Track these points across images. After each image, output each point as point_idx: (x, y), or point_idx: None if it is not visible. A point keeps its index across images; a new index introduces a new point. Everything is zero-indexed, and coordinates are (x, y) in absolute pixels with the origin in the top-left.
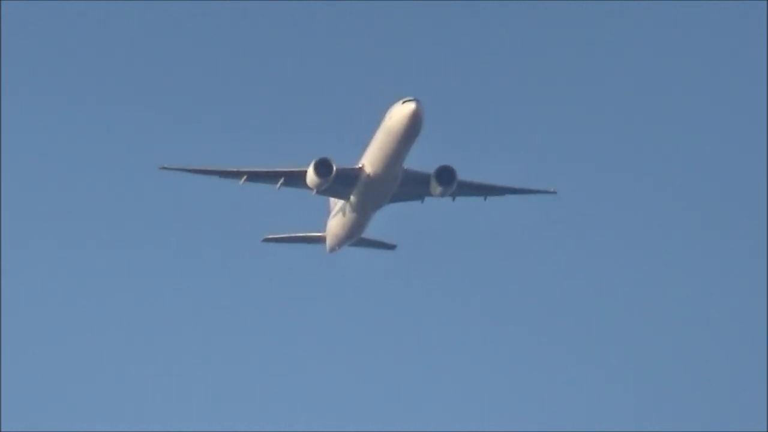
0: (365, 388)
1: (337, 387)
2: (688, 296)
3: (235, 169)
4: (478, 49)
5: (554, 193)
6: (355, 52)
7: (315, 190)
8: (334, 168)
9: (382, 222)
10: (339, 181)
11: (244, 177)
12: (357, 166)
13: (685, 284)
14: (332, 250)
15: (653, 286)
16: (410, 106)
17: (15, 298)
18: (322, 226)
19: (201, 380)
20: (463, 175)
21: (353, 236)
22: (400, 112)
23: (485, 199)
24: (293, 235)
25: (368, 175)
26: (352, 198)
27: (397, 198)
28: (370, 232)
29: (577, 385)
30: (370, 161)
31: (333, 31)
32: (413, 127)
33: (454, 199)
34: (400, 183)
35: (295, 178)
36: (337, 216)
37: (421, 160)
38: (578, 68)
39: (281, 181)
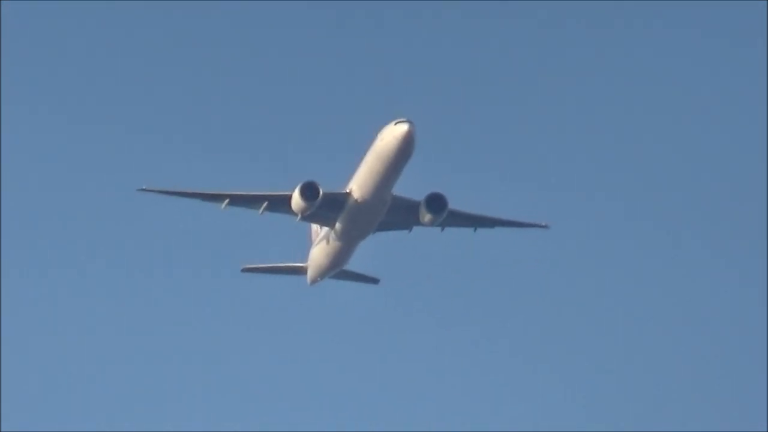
0: (343, 424)
1: (314, 422)
2: (687, 297)
3: (216, 192)
4: (474, 72)
5: (546, 227)
6: (344, 72)
7: (300, 216)
8: (321, 192)
9: (366, 254)
10: (325, 205)
11: (226, 200)
12: (344, 191)
13: (685, 285)
14: (313, 281)
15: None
16: (403, 128)
17: (15, 298)
18: (303, 258)
19: (173, 405)
20: (453, 204)
21: (336, 267)
22: (392, 134)
23: (475, 231)
24: (273, 265)
25: (356, 200)
26: (337, 225)
27: (384, 226)
28: (352, 265)
29: (570, 396)
30: (358, 185)
31: (322, 52)
32: (405, 150)
33: (443, 229)
34: (388, 210)
35: (280, 203)
36: (321, 244)
37: (409, 187)
38: (575, 76)
39: (264, 205)
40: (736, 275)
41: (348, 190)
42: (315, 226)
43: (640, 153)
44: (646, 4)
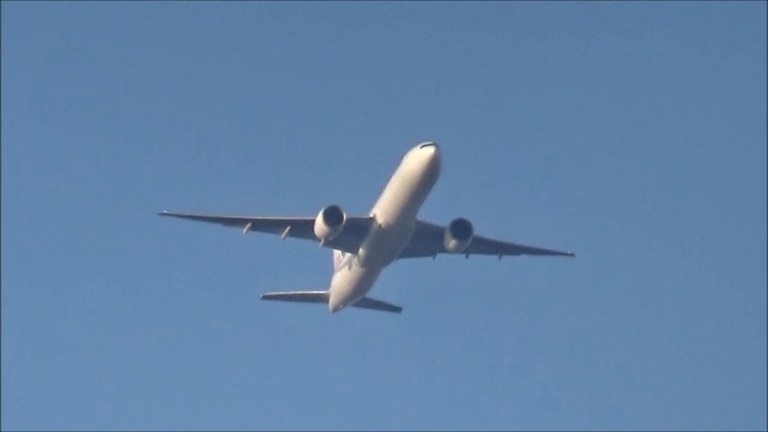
0: None
1: None
2: (687, 297)
3: (238, 217)
4: (504, 99)
5: (572, 255)
6: (368, 97)
7: (322, 241)
8: (345, 217)
9: (388, 281)
10: (349, 231)
11: (248, 225)
12: (368, 216)
13: (685, 285)
14: (335, 309)
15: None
16: (429, 151)
17: (15, 298)
18: (325, 285)
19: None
20: (479, 231)
21: (359, 294)
22: (417, 158)
23: (500, 258)
24: (294, 292)
25: (380, 226)
26: (361, 251)
27: (408, 253)
28: (374, 292)
29: (576, 392)
30: (382, 210)
31: (347, 73)
32: (431, 174)
33: (467, 256)
34: (413, 236)
35: (302, 228)
36: (343, 270)
37: (433, 213)
38: (572, 76)
39: (287, 230)
40: (736, 275)
41: (372, 215)
42: (338, 253)
43: (638, 154)
44: (646, 4)
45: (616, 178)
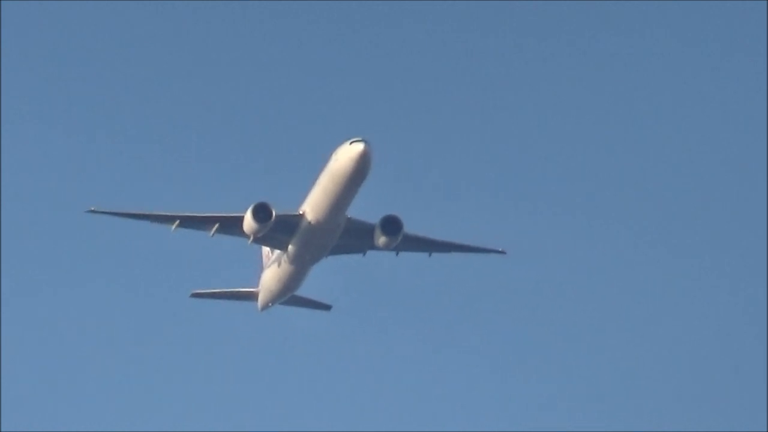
0: None
1: None
2: (687, 297)
3: (166, 214)
4: (433, 89)
5: (503, 253)
6: (299, 87)
7: (251, 238)
8: (274, 213)
9: (317, 278)
10: (278, 227)
11: (176, 222)
12: (297, 212)
13: (685, 286)
14: (264, 307)
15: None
16: (358, 147)
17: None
18: (254, 282)
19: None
20: (409, 228)
21: (288, 291)
22: (347, 153)
23: (430, 256)
24: (223, 290)
25: (309, 223)
26: (290, 248)
27: (338, 250)
28: (303, 290)
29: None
30: (311, 207)
31: (280, 65)
32: (361, 170)
33: (397, 253)
34: (342, 232)
35: (231, 224)
36: (272, 267)
37: (363, 209)
38: (570, 76)
39: (215, 227)
40: (736, 275)
41: (301, 212)
42: (266, 250)
43: (639, 154)
44: (646, 4)
45: (615, 178)
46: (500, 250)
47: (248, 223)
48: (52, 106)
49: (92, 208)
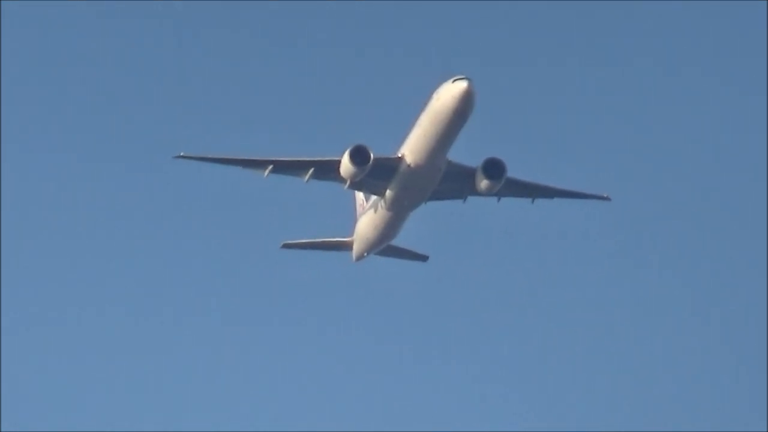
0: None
1: (351, 407)
2: (688, 297)
3: (259, 159)
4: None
5: (608, 199)
6: (390, 35)
7: (348, 182)
8: (372, 156)
9: (414, 227)
10: (376, 171)
11: (269, 167)
12: (396, 155)
13: (686, 285)
14: (359, 257)
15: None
16: (462, 85)
17: (15, 298)
18: (346, 233)
19: (203, 386)
20: (511, 173)
21: (385, 240)
22: (449, 92)
23: (533, 202)
24: (315, 240)
25: (409, 166)
26: (388, 193)
27: (437, 195)
28: (399, 240)
29: (576, 384)
30: (411, 150)
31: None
32: (464, 109)
33: (499, 199)
34: (442, 177)
35: (327, 169)
36: (369, 214)
37: (462, 154)
38: (577, 67)
39: (310, 172)
40: (736, 275)
41: (400, 155)
42: (360, 199)
43: (638, 154)
44: (646, 4)
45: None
46: (605, 195)
47: (345, 166)
48: (52, 106)
49: (181, 154)
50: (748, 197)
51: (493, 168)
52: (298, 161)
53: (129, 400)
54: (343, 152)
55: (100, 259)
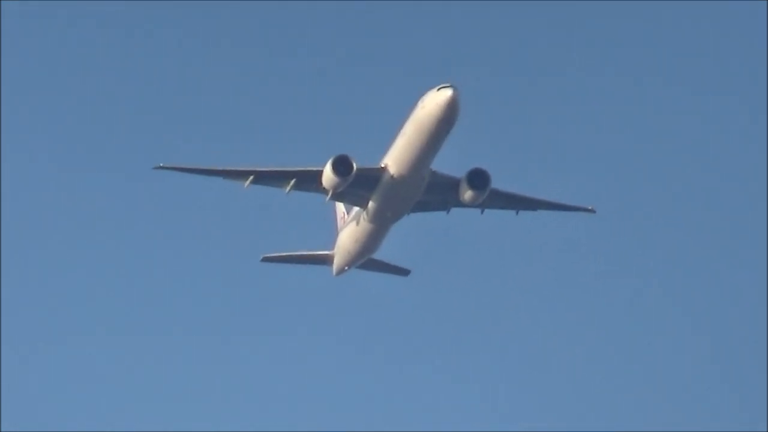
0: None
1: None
2: (673, 307)
3: (240, 169)
4: (518, 46)
5: (593, 211)
6: (377, 43)
7: (330, 193)
8: (355, 166)
9: (396, 240)
10: (359, 182)
11: (250, 178)
12: (380, 166)
13: (671, 296)
14: (339, 271)
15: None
16: (447, 93)
17: (15, 298)
18: (327, 247)
19: (184, 395)
20: (495, 184)
21: (367, 253)
22: (434, 100)
23: (517, 214)
24: (296, 253)
25: (392, 176)
26: (370, 204)
27: (421, 206)
28: (381, 252)
29: (578, 383)
30: (394, 160)
31: (356, 22)
32: (449, 118)
33: (482, 211)
34: (426, 187)
35: (309, 179)
36: (350, 227)
37: (447, 164)
38: (564, 76)
39: (292, 183)
40: (737, 275)
41: (383, 165)
42: (341, 213)
43: (638, 153)
44: (646, 4)
45: (613, 177)
46: (590, 208)
47: (328, 177)
48: (52, 106)
49: (160, 165)
50: (744, 206)
51: (478, 178)
52: (280, 171)
53: (121, 402)
54: (326, 162)
55: (79, 267)
